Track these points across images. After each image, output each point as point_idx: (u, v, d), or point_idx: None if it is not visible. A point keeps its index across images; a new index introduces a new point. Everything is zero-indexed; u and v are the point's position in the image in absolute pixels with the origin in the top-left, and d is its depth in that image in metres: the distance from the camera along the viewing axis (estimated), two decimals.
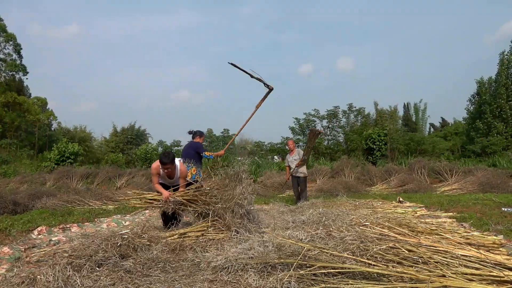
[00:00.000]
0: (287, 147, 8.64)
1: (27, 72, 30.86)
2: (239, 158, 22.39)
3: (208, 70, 77.35)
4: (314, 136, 8.38)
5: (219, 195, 4.34)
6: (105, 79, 69.17)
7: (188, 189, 4.75)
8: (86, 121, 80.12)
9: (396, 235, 3.14)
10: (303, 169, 8.34)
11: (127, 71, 74.01)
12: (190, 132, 7.00)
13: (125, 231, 3.69)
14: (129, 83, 70.78)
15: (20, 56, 30.38)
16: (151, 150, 21.75)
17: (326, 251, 2.76)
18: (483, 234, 3.97)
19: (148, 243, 3.59)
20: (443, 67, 70.83)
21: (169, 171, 4.87)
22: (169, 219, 4.86)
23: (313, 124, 29.16)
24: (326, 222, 3.75)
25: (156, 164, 5.01)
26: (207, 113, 64.57)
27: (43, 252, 3.75)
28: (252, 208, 4.90)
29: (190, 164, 6.05)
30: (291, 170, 8.37)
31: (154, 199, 4.78)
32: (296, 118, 29.60)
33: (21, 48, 30.35)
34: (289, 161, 8.57)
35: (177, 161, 5.07)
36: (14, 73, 30.29)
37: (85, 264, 3.01)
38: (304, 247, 2.79)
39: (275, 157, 27.23)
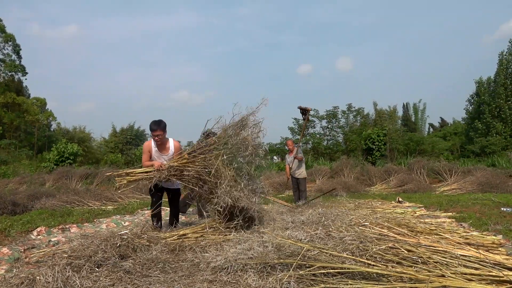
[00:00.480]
0: (286, 147, 8.63)
1: (26, 73, 30.85)
2: (239, 159, 22.42)
3: (207, 71, 77.48)
4: (304, 113, 8.38)
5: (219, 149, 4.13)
6: (104, 79, 69.22)
7: (182, 153, 4.50)
8: (85, 122, 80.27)
9: (396, 235, 3.15)
10: (302, 170, 8.34)
11: (126, 72, 74.08)
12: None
13: (124, 231, 3.69)
14: (129, 83, 70.81)
15: (19, 57, 30.36)
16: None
17: (326, 251, 2.77)
18: (482, 234, 3.97)
19: (148, 243, 3.59)
20: (442, 67, 71.09)
21: (160, 138, 4.64)
22: (158, 198, 4.74)
23: (312, 124, 29.19)
24: (325, 222, 3.75)
25: (147, 142, 4.88)
26: (207, 113, 64.61)
27: (43, 253, 3.75)
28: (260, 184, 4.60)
29: None
30: (291, 170, 8.38)
31: (145, 172, 4.42)
32: (295, 119, 29.61)
33: (20, 49, 30.33)
34: (288, 161, 8.58)
35: (171, 139, 4.88)
36: (13, 73, 30.26)
37: (84, 265, 3.01)
38: (304, 247, 2.79)
39: (274, 157, 27.21)
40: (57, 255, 3.37)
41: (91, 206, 8.51)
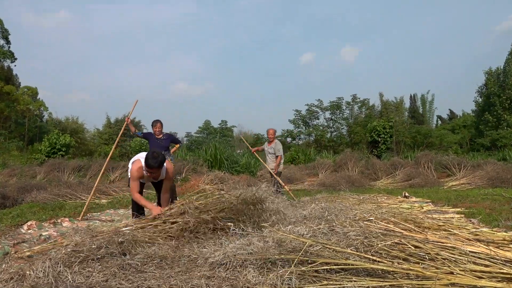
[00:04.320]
0: (266, 136, 8.55)
1: (15, 59, 30.65)
2: (238, 151, 22.40)
3: (206, 63, 77.24)
4: None
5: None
6: (98, 69, 69.12)
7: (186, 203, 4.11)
8: (79, 112, 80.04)
9: (402, 231, 3.14)
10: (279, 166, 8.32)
11: (122, 62, 73.91)
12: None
13: (126, 228, 3.70)
14: (124, 73, 70.81)
15: (8, 42, 30.15)
16: (146, 142, 21.78)
17: (329, 246, 2.76)
18: (492, 230, 3.96)
19: (149, 239, 3.59)
20: (451, 57, 70.76)
21: (155, 175, 4.42)
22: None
23: (316, 116, 29.16)
24: (328, 217, 3.73)
25: (138, 165, 4.46)
26: (205, 105, 64.60)
27: (38, 248, 3.74)
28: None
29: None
30: (269, 169, 8.32)
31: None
32: (296, 110, 29.62)
33: (9, 34, 30.10)
34: (265, 150, 8.53)
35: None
36: (1, 60, 30.09)
37: (84, 260, 3.03)
38: (306, 243, 2.78)
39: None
40: (55, 250, 3.38)
41: (84, 199, 8.52)
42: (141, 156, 4.58)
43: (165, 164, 4.47)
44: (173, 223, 3.85)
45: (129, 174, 5.03)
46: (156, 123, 7.03)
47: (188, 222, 3.77)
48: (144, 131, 20.69)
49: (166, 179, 4.61)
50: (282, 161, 8.45)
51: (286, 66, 71.15)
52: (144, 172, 4.41)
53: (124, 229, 3.68)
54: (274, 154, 8.23)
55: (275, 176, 8.15)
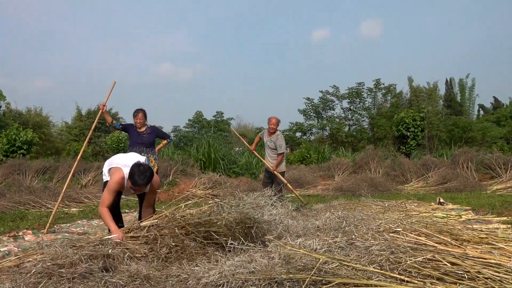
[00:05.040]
0: (269, 125, 8.43)
1: None
2: (237, 149, 22.42)
3: (196, 39, 76.97)
4: None
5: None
6: (65, 50, 68.88)
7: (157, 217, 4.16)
8: (43, 102, 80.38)
9: (436, 245, 3.15)
10: (280, 164, 8.36)
11: (92, 38, 73.66)
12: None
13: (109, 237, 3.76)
14: (96, 54, 70.54)
15: None
16: (125, 138, 21.80)
17: (347, 264, 2.77)
18: None
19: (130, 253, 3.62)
20: (497, 33, 70.22)
21: (139, 191, 4.53)
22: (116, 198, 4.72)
23: (331, 105, 29.11)
24: (347, 228, 3.76)
25: (119, 176, 4.48)
26: (196, 93, 64.57)
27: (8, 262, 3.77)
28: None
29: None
30: (269, 165, 8.35)
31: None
32: (307, 99, 29.55)
33: None
34: (264, 142, 8.55)
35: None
36: None
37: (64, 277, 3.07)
38: (319, 259, 2.80)
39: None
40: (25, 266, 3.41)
41: (50, 208, 8.56)
42: (123, 163, 4.57)
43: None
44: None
45: (103, 177, 5.06)
46: (137, 113, 6.90)
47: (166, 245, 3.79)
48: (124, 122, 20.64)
49: (150, 192, 4.64)
50: (284, 160, 8.48)
51: (295, 44, 70.94)
52: (126, 185, 4.46)
53: (110, 236, 3.72)
54: (275, 149, 8.22)
55: (278, 175, 8.17)
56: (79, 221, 7.17)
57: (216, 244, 3.93)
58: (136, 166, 4.30)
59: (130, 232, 4.06)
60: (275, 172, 8.15)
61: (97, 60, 69.96)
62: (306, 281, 2.63)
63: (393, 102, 29.45)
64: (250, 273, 2.93)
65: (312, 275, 2.66)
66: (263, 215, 4.29)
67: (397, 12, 73.88)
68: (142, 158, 4.78)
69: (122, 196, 6.08)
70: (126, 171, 4.41)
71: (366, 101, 29.61)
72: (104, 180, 4.98)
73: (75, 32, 72.15)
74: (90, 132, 7.16)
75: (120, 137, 21.65)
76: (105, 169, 4.93)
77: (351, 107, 29.49)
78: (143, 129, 6.86)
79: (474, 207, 7.43)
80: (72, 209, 8.70)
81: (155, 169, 6.50)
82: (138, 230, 4.06)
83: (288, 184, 8.46)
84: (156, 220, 4.08)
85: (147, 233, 3.94)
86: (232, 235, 3.93)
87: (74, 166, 6.88)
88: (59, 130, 33.08)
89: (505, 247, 3.37)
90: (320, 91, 29.60)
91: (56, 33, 70.87)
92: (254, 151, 8.96)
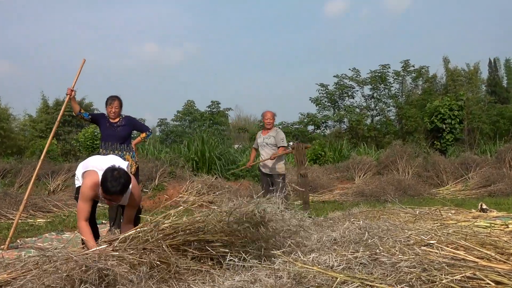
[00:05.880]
0: (264, 121, 8.54)
1: None
2: (237, 146, 22.41)
3: (186, 13, 76.81)
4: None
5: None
6: (26, 27, 68.83)
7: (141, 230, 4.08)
8: (0, 91, 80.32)
9: (477, 260, 3.16)
10: (279, 163, 8.37)
11: (60, 14, 73.60)
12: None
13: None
14: (65, 33, 70.49)
15: None
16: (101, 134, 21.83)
17: (370, 283, 2.79)
18: None
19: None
20: None
21: (114, 201, 4.57)
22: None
23: (350, 93, 29.00)
24: (369, 241, 3.76)
25: (93, 180, 4.53)
26: (186, 78, 64.41)
27: None
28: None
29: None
30: (258, 160, 8.39)
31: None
32: (321, 85, 29.52)
33: None
34: (259, 143, 8.60)
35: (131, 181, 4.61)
36: None
37: None
38: (337, 278, 2.81)
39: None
40: None
41: (11, 218, 8.59)
42: (100, 167, 4.59)
43: (130, 187, 4.50)
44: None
45: (76, 181, 5.09)
46: (113, 100, 6.83)
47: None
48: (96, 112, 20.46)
49: (129, 206, 4.69)
50: (284, 159, 8.54)
51: (305, 18, 70.73)
52: (100, 190, 4.45)
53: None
54: (275, 145, 8.25)
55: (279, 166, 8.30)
56: (47, 235, 7.19)
57: (211, 259, 3.94)
58: (110, 171, 4.30)
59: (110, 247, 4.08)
60: (274, 156, 8.19)
61: (66, 40, 69.94)
62: None
63: (425, 88, 29.43)
64: None
65: None
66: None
67: None
68: (123, 163, 4.81)
69: (99, 204, 6.09)
70: (101, 175, 4.43)
71: (392, 87, 29.55)
72: (77, 186, 5.01)
73: (39, 4, 72.11)
74: (56, 124, 6.94)
75: (96, 133, 21.64)
76: (79, 172, 4.96)
77: (374, 95, 29.42)
78: (117, 119, 6.84)
79: None
80: (38, 220, 8.73)
81: (133, 169, 6.50)
82: (117, 243, 4.08)
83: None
84: (139, 232, 4.08)
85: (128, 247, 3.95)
86: (232, 243, 3.95)
87: (38, 167, 6.70)
88: (22, 124, 33.11)
89: None
90: (335, 76, 29.53)
91: (15, 6, 71.00)
92: (250, 166, 9.06)
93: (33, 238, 6.93)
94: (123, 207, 4.84)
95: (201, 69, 68.32)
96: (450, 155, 18.83)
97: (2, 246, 6.09)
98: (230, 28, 73.22)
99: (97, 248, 4.00)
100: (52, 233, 7.37)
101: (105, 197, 4.38)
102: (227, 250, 3.84)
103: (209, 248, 3.96)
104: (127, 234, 4.11)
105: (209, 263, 3.89)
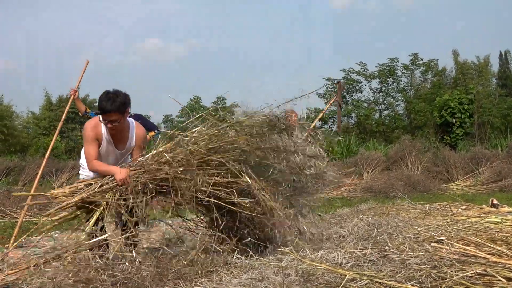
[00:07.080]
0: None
1: None
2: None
3: (191, 7, 76.76)
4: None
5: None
6: (28, 23, 68.97)
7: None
8: (3, 89, 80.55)
9: (488, 256, 3.15)
10: None
11: (62, 9, 73.73)
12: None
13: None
14: (67, 28, 70.60)
15: None
16: None
17: (380, 280, 2.79)
18: None
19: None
20: None
21: (115, 126, 4.40)
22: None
23: (357, 87, 28.88)
24: (378, 238, 3.76)
25: (92, 123, 4.54)
26: (190, 74, 64.37)
27: None
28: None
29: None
30: None
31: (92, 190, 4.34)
32: (328, 79, 29.44)
33: None
34: None
35: (132, 121, 4.72)
36: None
37: None
38: (345, 276, 2.81)
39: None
40: None
41: (15, 217, 8.62)
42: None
43: (133, 122, 4.68)
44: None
45: (81, 171, 5.06)
46: None
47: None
48: None
49: (135, 148, 4.71)
50: None
51: (311, 10, 70.57)
52: (103, 128, 4.47)
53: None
54: None
55: None
56: (52, 233, 7.20)
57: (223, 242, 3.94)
58: (105, 92, 4.38)
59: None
60: None
61: (69, 37, 70.05)
62: None
63: (434, 81, 29.29)
64: None
65: None
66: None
67: None
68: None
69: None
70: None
71: (400, 80, 29.46)
72: (81, 177, 4.98)
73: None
74: (61, 123, 7.08)
75: None
76: (83, 160, 4.88)
77: (383, 89, 29.36)
78: None
79: None
80: (43, 219, 8.74)
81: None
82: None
83: None
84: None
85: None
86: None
87: (43, 165, 6.78)
88: (25, 122, 33.21)
89: None
90: (342, 70, 29.44)
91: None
92: None
93: (38, 237, 6.94)
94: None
95: (205, 64, 68.24)
96: (460, 149, 18.76)
97: (6, 245, 6.10)
98: (234, 22, 73.07)
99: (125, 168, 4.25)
100: (57, 232, 7.37)
101: (104, 119, 4.33)
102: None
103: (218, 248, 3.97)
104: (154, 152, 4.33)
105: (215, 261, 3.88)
